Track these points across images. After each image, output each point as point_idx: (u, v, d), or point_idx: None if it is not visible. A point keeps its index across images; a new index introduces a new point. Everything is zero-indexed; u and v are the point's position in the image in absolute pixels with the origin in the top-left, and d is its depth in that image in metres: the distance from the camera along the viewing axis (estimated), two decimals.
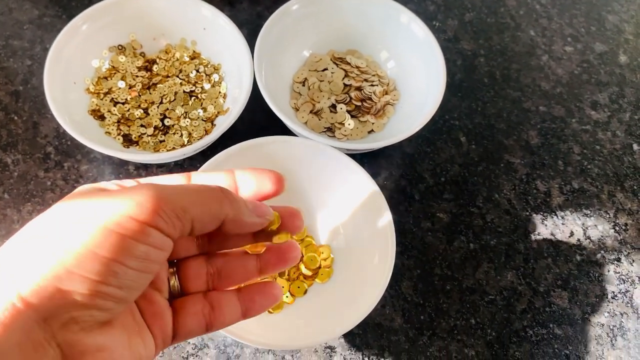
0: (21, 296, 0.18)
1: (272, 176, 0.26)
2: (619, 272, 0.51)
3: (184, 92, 0.52)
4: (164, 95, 0.51)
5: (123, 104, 0.50)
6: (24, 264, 0.19)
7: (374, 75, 0.54)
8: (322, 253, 0.46)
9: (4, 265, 0.19)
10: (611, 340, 0.47)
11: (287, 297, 0.44)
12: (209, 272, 0.26)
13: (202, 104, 0.51)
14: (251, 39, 0.49)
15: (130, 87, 0.51)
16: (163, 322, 0.23)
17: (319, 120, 0.52)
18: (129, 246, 0.19)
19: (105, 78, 0.51)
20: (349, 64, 0.54)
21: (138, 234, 0.19)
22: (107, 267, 0.19)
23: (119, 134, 0.49)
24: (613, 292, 0.50)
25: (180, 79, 0.52)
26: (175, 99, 0.51)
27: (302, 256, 0.46)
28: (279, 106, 0.47)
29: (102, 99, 0.50)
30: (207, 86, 0.52)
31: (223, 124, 0.46)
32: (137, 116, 0.50)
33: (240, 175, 0.26)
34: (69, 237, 0.19)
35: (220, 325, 0.25)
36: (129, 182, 0.24)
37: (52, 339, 0.18)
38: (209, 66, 0.53)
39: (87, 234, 0.19)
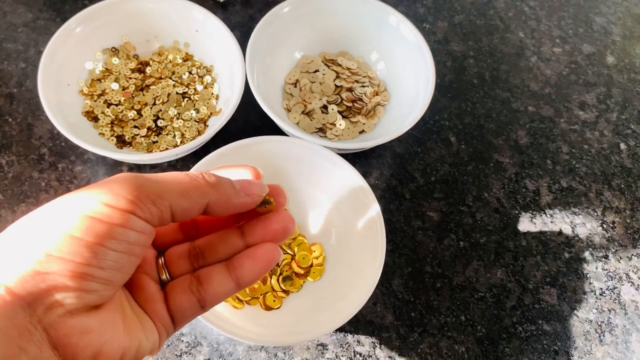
0: (5, 285, 0.19)
1: (246, 173, 0.26)
2: (606, 269, 0.51)
3: (177, 93, 0.52)
4: (157, 96, 0.52)
5: (116, 105, 0.51)
6: (6, 256, 0.19)
7: (364, 77, 0.55)
8: (314, 251, 0.47)
9: None
10: (599, 336, 0.48)
11: (274, 301, 0.44)
12: (192, 253, 0.26)
13: (194, 105, 0.52)
14: (244, 41, 0.50)
15: (124, 88, 0.52)
16: (156, 305, 0.24)
17: (311, 120, 0.52)
18: (106, 229, 0.19)
19: (99, 80, 0.52)
20: (340, 65, 0.55)
21: (115, 218, 0.20)
22: (85, 249, 0.19)
23: (112, 135, 0.50)
24: (601, 288, 0.50)
25: (173, 80, 0.53)
26: (168, 101, 0.52)
27: (294, 254, 0.46)
28: (271, 107, 0.47)
29: (95, 101, 0.51)
30: (199, 87, 0.53)
31: (215, 124, 0.46)
32: (130, 117, 0.50)
33: None
34: (47, 224, 0.20)
35: (214, 299, 0.25)
36: None
37: (37, 323, 0.19)
38: (201, 68, 0.54)
39: (63, 221, 0.19)
